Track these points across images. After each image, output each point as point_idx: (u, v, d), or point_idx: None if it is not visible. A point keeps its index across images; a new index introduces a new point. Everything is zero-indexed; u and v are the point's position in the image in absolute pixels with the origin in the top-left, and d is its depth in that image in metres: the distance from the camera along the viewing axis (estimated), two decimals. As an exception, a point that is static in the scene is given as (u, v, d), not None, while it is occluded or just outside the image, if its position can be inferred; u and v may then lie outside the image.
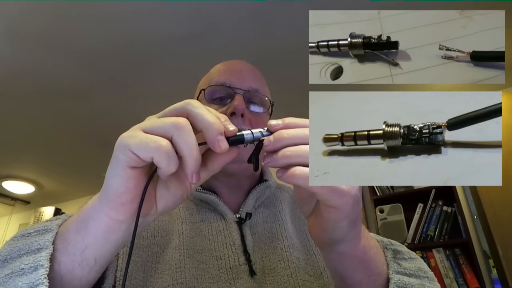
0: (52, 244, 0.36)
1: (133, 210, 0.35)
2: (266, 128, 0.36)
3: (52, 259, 0.35)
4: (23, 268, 0.34)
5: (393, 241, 0.49)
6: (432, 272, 0.47)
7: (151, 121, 0.34)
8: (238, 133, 0.35)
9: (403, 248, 0.48)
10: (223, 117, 0.36)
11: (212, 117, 0.34)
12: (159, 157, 0.31)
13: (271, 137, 0.34)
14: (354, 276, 0.40)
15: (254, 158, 0.38)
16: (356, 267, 0.39)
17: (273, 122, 0.34)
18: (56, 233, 0.38)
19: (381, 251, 0.44)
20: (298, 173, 0.32)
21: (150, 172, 0.35)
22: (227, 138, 0.34)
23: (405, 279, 0.41)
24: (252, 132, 0.36)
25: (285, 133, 0.33)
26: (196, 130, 0.33)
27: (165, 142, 0.31)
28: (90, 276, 0.37)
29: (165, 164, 0.32)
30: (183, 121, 0.33)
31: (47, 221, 0.42)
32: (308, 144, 0.32)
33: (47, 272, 0.33)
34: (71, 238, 0.37)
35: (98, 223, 0.35)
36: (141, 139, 0.32)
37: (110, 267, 0.48)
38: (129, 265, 0.36)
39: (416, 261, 0.47)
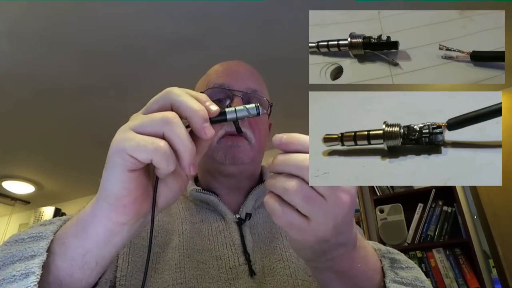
0: (47, 251, 0.35)
1: (135, 211, 0.35)
2: (255, 105, 0.36)
3: (50, 264, 0.35)
4: (14, 275, 0.33)
5: (391, 249, 0.48)
6: (429, 282, 0.47)
7: (139, 119, 0.33)
8: (223, 111, 0.36)
9: (401, 257, 0.48)
10: (204, 97, 0.35)
11: (196, 104, 0.34)
12: (158, 158, 0.31)
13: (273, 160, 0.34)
14: (330, 286, 0.40)
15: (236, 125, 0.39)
16: (333, 279, 0.40)
17: (277, 137, 0.34)
18: (51, 240, 0.37)
19: (374, 264, 0.43)
20: (266, 200, 0.34)
21: (149, 170, 0.36)
22: (213, 121, 0.34)
23: None
24: (235, 110, 0.36)
25: (282, 161, 0.33)
26: (182, 117, 0.33)
27: (162, 143, 0.31)
28: (91, 278, 0.37)
29: (164, 165, 0.32)
30: (171, 115, 0.33)
31: (41, 225, 0.41)
32: (293, 172, 0.32)
33: (38, 280, 0.33)
34: (70, 242, 0.36)
35: (99, 227, 0.35)
36: (138, 142, 0.31)
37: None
38: (148, 264, 0.36)
39: (413, 271, 0.46)
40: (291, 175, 0.32)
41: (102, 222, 0.35)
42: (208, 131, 0.33)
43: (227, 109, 0.36)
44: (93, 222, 0.35)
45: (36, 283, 0.33)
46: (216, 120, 0.35)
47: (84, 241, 0.35)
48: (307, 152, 0.32)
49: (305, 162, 0.31)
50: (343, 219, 0.33)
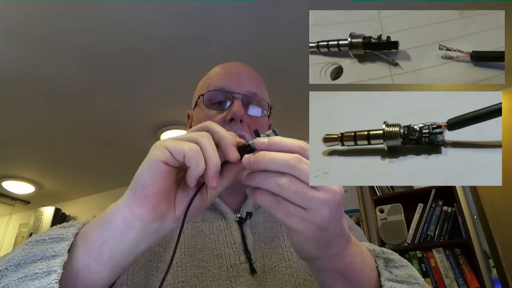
0: (68, 252, 0.37)
1: (154, 205, 0.37)
2: (271, 130, 0.39)
3: (70, 254, 0.37)
4: (36, 273, 0.35)
5: (385, 249, 0.50)
6: (423, 279, 0.48)
7: (179, 135, 0.39)
8: (247, 144, 0.40)
9: (395, 256, 0.49)
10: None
11: (227, 132, 0.39)
12: (190, 154, 0.35)
13: (252, 157, 0.36)
14: (334, 287, 0.41)
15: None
16: (336, 280, 0.41)
17: (260, 140, 0.37)
18: (71, 242, 0.38)
19: (370, 262, 0.45)
20: (260, 198, 0.36)
21: (178, 177, 0.39)
22: (239, 152, 0.39)
23: (397, 286, 0.43)
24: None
25: (264, 157, 0.35)
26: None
27: (196, 146, 0.36)
28: (103, 274, 0.37)
29: (194, 162, 0.35)
30: (206, 133, 0.38)
31: (60, 227, 0.42)
32: (283, 170, 0.34)
33: (59, 278, 0.34)
34: (91, 232, 0.39)
35: (118, 217, 0.38)
36: (176, 142, 0.37)
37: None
38: (172, 262, 0.37)
39: (407, 269, 0.48)
40: (280, 173, 0.34)
41: (122, 212, 0.38)
42: (235, 153, 0.38)
43: (250, 142, 0.40)
44: (114, 213, 0.38)
45: (57, 280, 0.34)
46: (243, 151, 0.39)
47: (103, 230, 0.38)
48: (291, 152, 0.34)
49: (292, 160, 0.33)
50: (336, 207, 0.35)
